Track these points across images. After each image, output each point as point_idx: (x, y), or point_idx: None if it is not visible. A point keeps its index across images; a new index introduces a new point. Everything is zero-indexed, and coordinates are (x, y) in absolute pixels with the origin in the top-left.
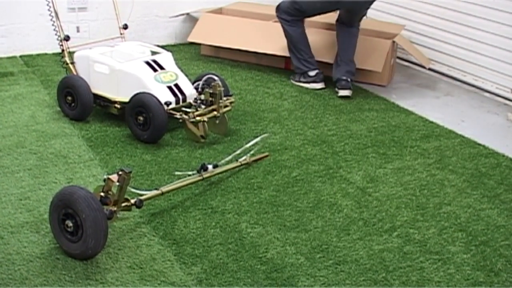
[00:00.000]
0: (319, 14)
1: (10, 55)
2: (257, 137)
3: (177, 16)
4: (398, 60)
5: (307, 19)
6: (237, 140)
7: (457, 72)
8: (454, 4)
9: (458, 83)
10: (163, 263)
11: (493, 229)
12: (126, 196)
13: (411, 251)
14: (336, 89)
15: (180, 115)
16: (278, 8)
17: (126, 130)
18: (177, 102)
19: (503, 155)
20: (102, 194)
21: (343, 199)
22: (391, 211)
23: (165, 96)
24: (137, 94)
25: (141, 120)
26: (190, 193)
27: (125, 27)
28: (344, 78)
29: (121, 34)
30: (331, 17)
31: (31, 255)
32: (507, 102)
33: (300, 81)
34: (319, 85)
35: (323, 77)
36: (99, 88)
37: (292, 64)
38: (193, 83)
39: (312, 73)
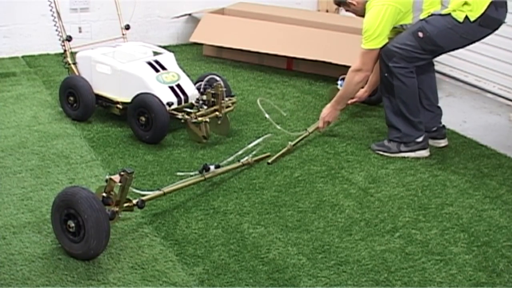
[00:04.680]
0: (457, 48)
1: (12, 55)
2: (259, 137)
3: (179, 16)
4: None
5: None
6: (239, 141)
7: (459, 72)
8: None
9: (460, 83)
10: (165, 263)
11: (495, 230)
12: (128, 197)
13: (413, 251)
14: (436, 140)
15: (182, 115)
16: (388, 53)
17: (128, 131)
18: (179, 102)
19: (505, 156)
20: (104, 194)
21: (345, 200)
22: (393, 212)
23: (167, 96)
24: (139, 94)
25: (143, 120)
26: (192, 194)
27: (127, 27)
28: (442, 125)
29: (123, 34)
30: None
31: (33, 255)
32: (509, 103)
33: (401, 151)
34: (427, 153)
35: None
36: (101, 88)
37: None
38: (195, 84)
39: (420, 139)
